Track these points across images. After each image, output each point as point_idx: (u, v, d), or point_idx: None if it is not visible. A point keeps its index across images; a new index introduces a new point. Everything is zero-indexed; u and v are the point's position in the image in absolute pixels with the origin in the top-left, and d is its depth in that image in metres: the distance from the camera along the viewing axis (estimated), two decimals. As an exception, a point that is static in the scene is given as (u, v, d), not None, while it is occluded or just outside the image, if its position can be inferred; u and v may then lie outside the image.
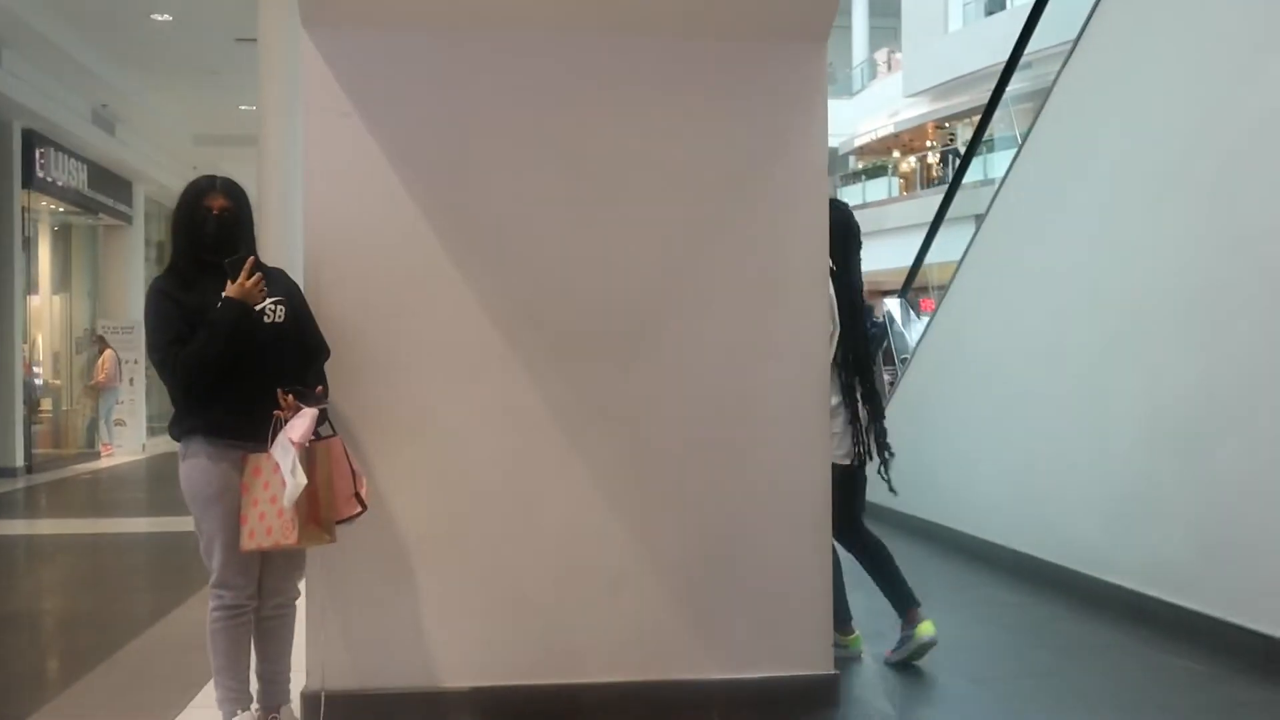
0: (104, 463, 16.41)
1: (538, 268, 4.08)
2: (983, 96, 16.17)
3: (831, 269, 4.38)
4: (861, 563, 4.72)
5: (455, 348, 4.05)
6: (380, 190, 4.03)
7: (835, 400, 4.52)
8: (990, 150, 16.50)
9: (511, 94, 4.08)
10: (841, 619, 4.58)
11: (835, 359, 4.52)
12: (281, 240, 8.18)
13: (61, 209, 17.08)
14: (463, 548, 4.03)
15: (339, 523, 3.63)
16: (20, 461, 14.17)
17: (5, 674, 5.12)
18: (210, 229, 3.63)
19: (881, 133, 32.36)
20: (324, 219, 4.03)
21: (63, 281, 18.64)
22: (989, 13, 26.44)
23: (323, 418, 3.62)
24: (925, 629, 4.57)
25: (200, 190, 3.68)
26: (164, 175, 18.79)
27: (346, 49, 4.02)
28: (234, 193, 3.69)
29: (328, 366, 3.79)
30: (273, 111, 9.27)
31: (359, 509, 3.66)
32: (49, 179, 15.10)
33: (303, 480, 3.38)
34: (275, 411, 3.51)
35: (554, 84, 4.11)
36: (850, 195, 29.10)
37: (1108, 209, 6.11)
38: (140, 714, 4.22)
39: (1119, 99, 6.18)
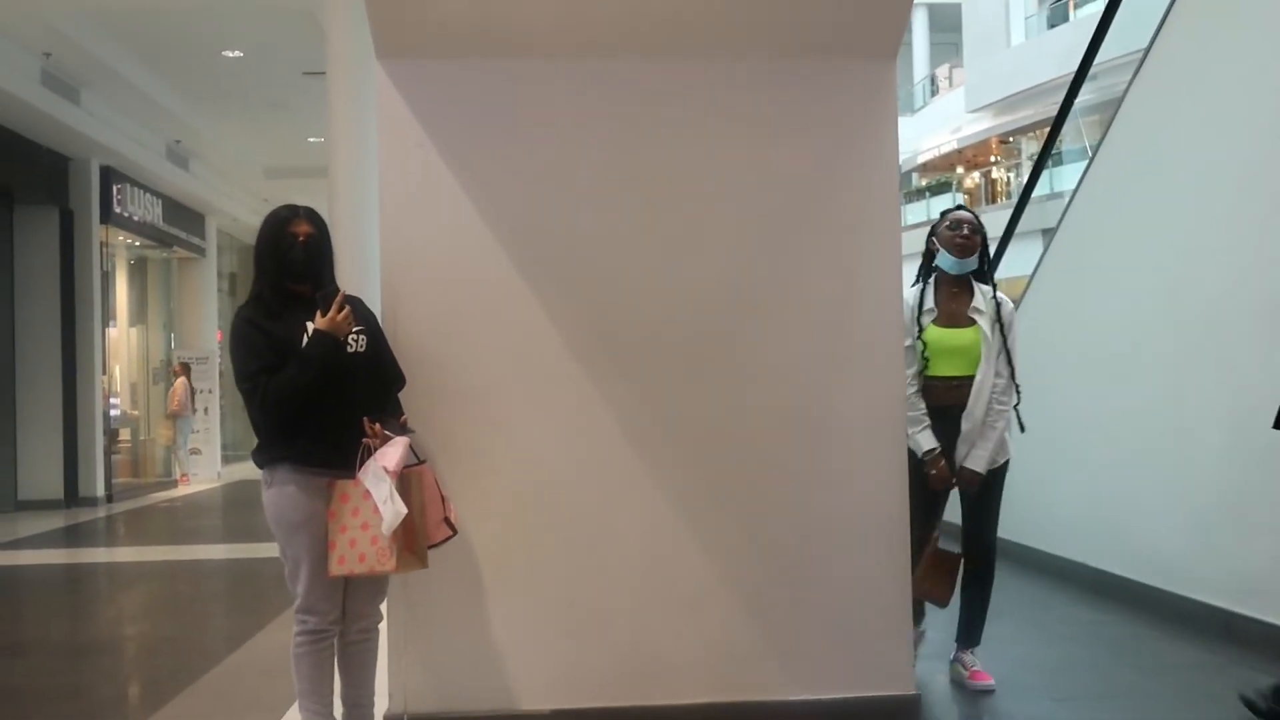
0: (181, 491, 16.69)
1: (609, 289, 4.10)
2: (1046, 110, 15.99)
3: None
4: (982, 574, 4.66)
5: (529, 370, 4.08)
6: (453, 217, 4.08)
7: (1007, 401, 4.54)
8: (1058, 164, 16.32)
9: (580, 119, 4.12)
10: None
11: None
12: (353, 269, 8.28)
13: (138, 243, 17.47)
14: (541, 569, 4.05)
15: (431, 547, 3.68)
16: (101, 491, 14.45)
17: (91, 700, 5.20)
18: (298, 255, 3.68)
19: (945, 149, 32.14)
20: (399, 247, 4.09)
21: (139, 313, 19.05)
22: (1051, 25, 26.20)
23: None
24: None
25: (284, 219, 3.72)
26: (236, 208, 19.17)
27: (418, 80, 4.09)
28: (316, 220, 3.75)
29: (404, 393, 3.84)
30: (342, 143, 9.40)
31: (449, 533, 3.71)
32: (126, 214, 15.46)
33: (403, 509, 3.41)
34: (364, 440, 3.56)
35: (622, 107, 4.14)
36: (914, 212, 28.92)
37: (1184, 217, 6.01)
38: (226, 738, 4.27)
39: (1194, 106, 6.09)
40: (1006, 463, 4.61)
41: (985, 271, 4.66)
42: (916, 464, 4.43)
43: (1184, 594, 5.61)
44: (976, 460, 4.47)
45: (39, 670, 5.78)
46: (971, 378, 4.49)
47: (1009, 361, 4.53)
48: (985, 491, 4.53)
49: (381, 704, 3.94)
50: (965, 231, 4.57)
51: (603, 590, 4.05)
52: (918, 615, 4.67)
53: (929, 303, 4.59)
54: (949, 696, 4.44)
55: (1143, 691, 4.61)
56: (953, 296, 4.60)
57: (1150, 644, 5.36)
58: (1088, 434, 6.74)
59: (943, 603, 4.52)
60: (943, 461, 4.46)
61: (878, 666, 4.13)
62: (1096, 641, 5.43)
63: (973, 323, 4.54)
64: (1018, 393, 4.60)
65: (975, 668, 4.59)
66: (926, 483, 4.44)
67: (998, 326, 4.53)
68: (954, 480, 4.50)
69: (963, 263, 4.56)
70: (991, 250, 4.86)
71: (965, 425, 4.48)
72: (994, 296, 4.58)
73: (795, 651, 4.11)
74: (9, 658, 6.04)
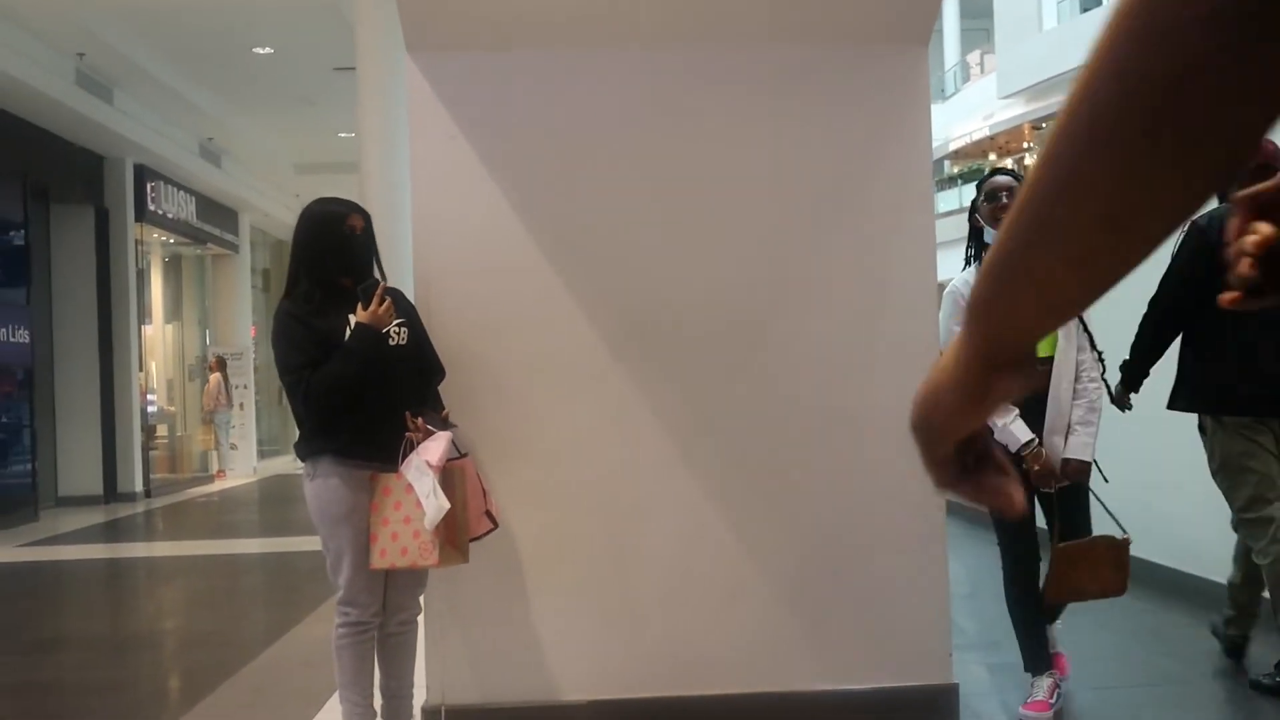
0: (217, 486, 16.84)
1: (642, 280, 4.10)
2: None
3: None
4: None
5: (563, 362, 4.08)
6: (486, 210, 4.08)
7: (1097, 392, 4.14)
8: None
9: (611, 108, 4.11)
10: None
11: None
12: (385, 264, 8.33)
13: (172, 240, 17.62)
14: (578, 561, 4.05)
15: (473, 540, 3.69)
16: (139, 486, 14.61)
17: (132, 694, 5.26)
18: (357, 249, 3.70)
19: (976, 136, 31.90)
20: (431, 241, 4.10)
21: (174, 310, 19.21)
22: (1085, 9, 25.96)
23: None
24: None
25: (339, 213, 3.71)
26: (268, 204, 19.31)
27: (449, 72, 4.09)
28: (366, 214, 3.77)
29: (441, 385, 3.85)
30: (372, 137, 9.44)
31: (491, 526, 3.74)
32: (160, 211, 15.59)
33: (446, 504, 3.42)
34: (407, 434, 3.57)
35: (652, 97, 4.13)
36: (946, 200, 28.74)
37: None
38: (266, 730, 4.31)
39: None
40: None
41: None
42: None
43: (1223, 581, 5.55)
44: (1081, 448, 4.04)
45: (81, 664, 5.85)
46: (1050, 359, 4.06)
47: (1085, 329, 4.12)
48: (1076, 486, 4.11)
49: (420, 695, 3.97)
50: (1003, 201, 4.14)
51: (639, 582, 4.05)
52: (1042, 663, 4.20)
53: None
54: (987, 685, 4.42)
55: (1183, 680, 4.57)
56: None
57: (1189, 632, 5.31)
58: (1121, 418, 6.67)
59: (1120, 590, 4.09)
60: (1044, 454, 4.01)
61: (915, 656, 4.11)
62: (1135, 630, 5.39)
63: None
64: (1102, 363, 4.21)
65: (1038, 695, 4.11)
66: (1028, 481, 3.98)
67: None
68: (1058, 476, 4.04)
69: None
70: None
71: (1051, 411, 4.05)
72: None
73: (832, 642, 4.10)
74: (51, 652, 6.12)
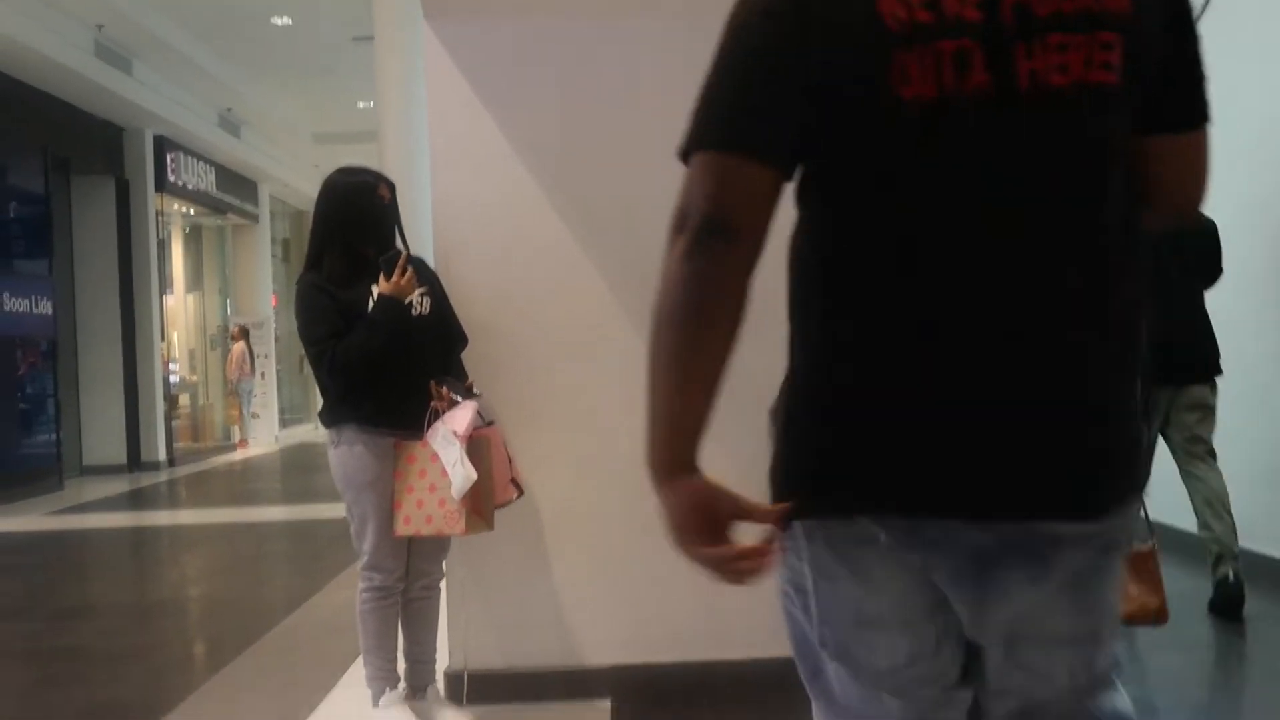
0: (239, 455, 16.94)
1: (662, 248, 4.07)
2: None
3: None
4: None
5: (584, 330, 4.08)
6: (506, 178, 4.07)
7: None
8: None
9: (630, 77, 4.08)
10: None
11: None
12: (406, 232, 8.34)
13: (192, 211, 17.69)
14: (601, 527, 4.06)
15: (498, 507, 3.71)
16: (163, 455, 14.73)
17: (158, 659, 5.31)
18: (386, 220, 3.70)
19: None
20: (451, 210, 4.09)
21: (195, 281, 19.30)
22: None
23: None
24: None
25: (369, 183, 3.70)
26: (287, 174, 19.33)
27: (468, 39, 4.07)
28: (391, 183, 3.76)
29: (464, 354, 3.86)
30: (391, 106, 9.43)
31: (516, 494, 3.75)
32: (180, 182, 15.64)
33: (473, 474, 3.43)
34: (432, 403, 3.58)
35: (673, 66, 4.08)
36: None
37: (1253, 161, 5.87)
38: (291, 693, 4.35)
39: (1260, 42, 5.93)
40: None
41: None
42: None
43: (1258, 550, 5.53)
44: None
45: (107, 630, 5.91)
46: None
47: None
48: None
49: (442, 660, 4.00)
50: None
51: (663, 547, 4.02)
52: None
53: None
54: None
55: (1216, 645, 4.56)
56: None
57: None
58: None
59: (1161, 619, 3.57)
60: None
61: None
62: (1172, 597, 5.36)
63: None
64: None
65: None
66: None
67: None
68: None
69: None
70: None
71: None
72: None
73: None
74: (77, 618, 6.18)
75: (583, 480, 4.06)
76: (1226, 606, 4.76)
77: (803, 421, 1.46)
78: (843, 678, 1.46)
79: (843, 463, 1.38)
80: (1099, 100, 1.33)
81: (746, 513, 1.42)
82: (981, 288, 1.33)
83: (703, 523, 1.42)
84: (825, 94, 1.34)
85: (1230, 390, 5.10)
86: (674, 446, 1.43)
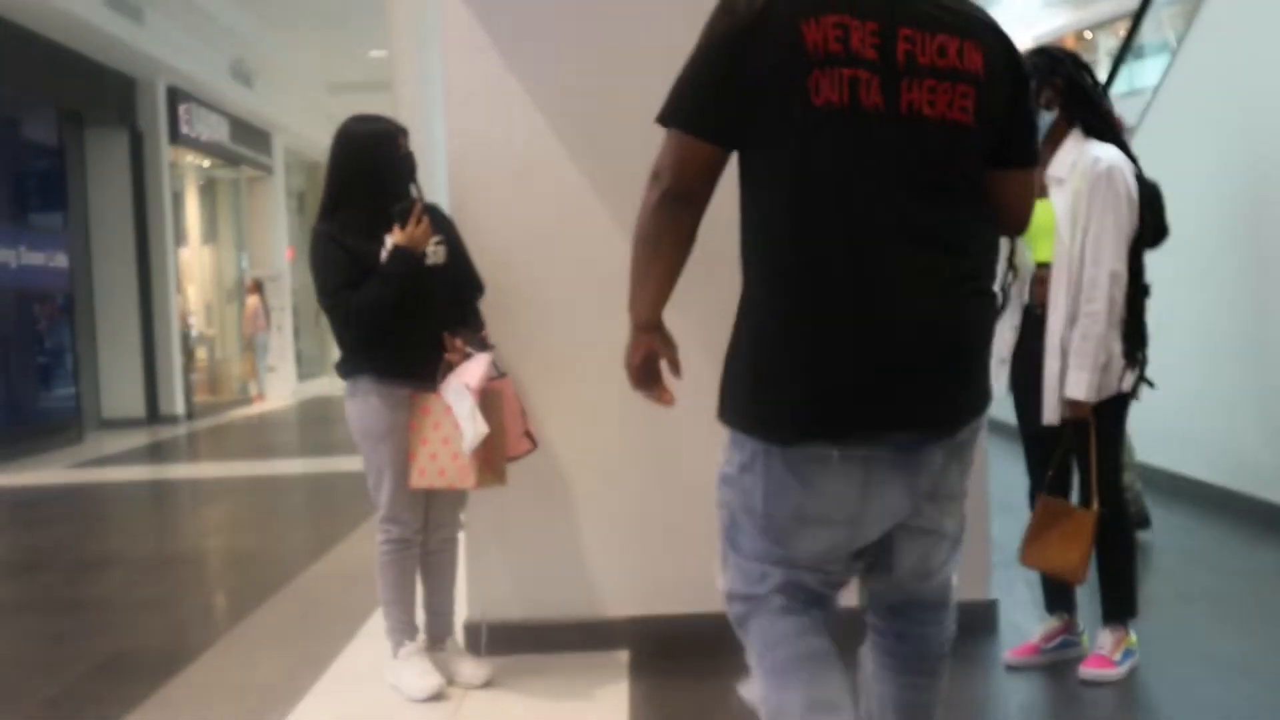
0: (257, 408, 17.00)
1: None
2: (1127, 2, 15.49)
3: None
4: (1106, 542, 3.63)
5: (602, 279, 4.02)
6: (520, 123, 4.01)
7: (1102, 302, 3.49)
8: (1138, 58, 15.80)
9: (650, 21, 4.00)
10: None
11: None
12: (420, 181, 8.29)
13: (206, 163, 17.62)
14: (619, 478, 4.04)
15: (511, 460, 3.68)
16: (181, 409, 14.77)
17: (180, 610, 5.35)
18: (408, 170, 3.67)
19: (1019, 47, 31.25)
20: (466, 157, 4.04)
21: (210, 233, 19.27)
22: (1130, -86, 25.22)
23: None
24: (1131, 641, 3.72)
25: (389, 133, 3.66)
26: (301, 125, 19.22)
27: (481, -17, 4.00)
28: (406, 130, 3.73)
29: (480, 303, 3.82)
30: (404, 54, 9.33)
31: (530, 446, 3.72)
32: (194, 134, 15.56)
33: (484, 429, 3.41)
34: (446, 355, 3.55)
35: (693, 6, 4.01)
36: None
37: (1273, 116, 5.77)
38: (311, 644, 4.36)
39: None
40: (1116, 398, 3.62)
41: (1096, 118, 3.59)
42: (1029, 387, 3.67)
43: (1268, 498, 5.50)
44: (1072, 385, 3.50)
45: (128, 582, 5.94)
46: (1048, 265, 3.60)
47: (1102, 240, 3.46)
48: (1082, 427, 3.58)
49: (461, 611, 4.00)
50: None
51: (681, 499, 4.02)
52: (1057, 602, 3.85)
53: None
54: (1028, 599, 4.39)
55: (1222, 595, 4.54)
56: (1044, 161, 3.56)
57: (1234, 548, 5.28)
58: (1169, 337, 6.58)
59: (1074, 577, 3.59)
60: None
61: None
62: (1178, 547, 5.35)
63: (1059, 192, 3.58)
64: (1145, 291, 3.62)
65: (1101, 650, 3.66)
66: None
67: (1084, 191, 3.48)
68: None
69: None
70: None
71: (1050, 328, 3.57)
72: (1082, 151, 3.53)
73: (873, 558, 4.08)
74: (99, 570, 6.22)
75: (600, 429, 4.03)
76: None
77: (774, 379, 2.02)
78: (755, 540, 2.10)
79: (813, 412, 1.98)
80: (953, 130, 1.98)
81: (671, 361, 2.26)
82: (863, 251, 1.95)
83: (645, 364, 2.25)
84: (757, 92, 1.96)
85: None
86: (642, 312, 2.22)
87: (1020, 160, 2.15)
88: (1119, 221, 3.48)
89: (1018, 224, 2.24)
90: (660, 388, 2.26)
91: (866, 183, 1.94)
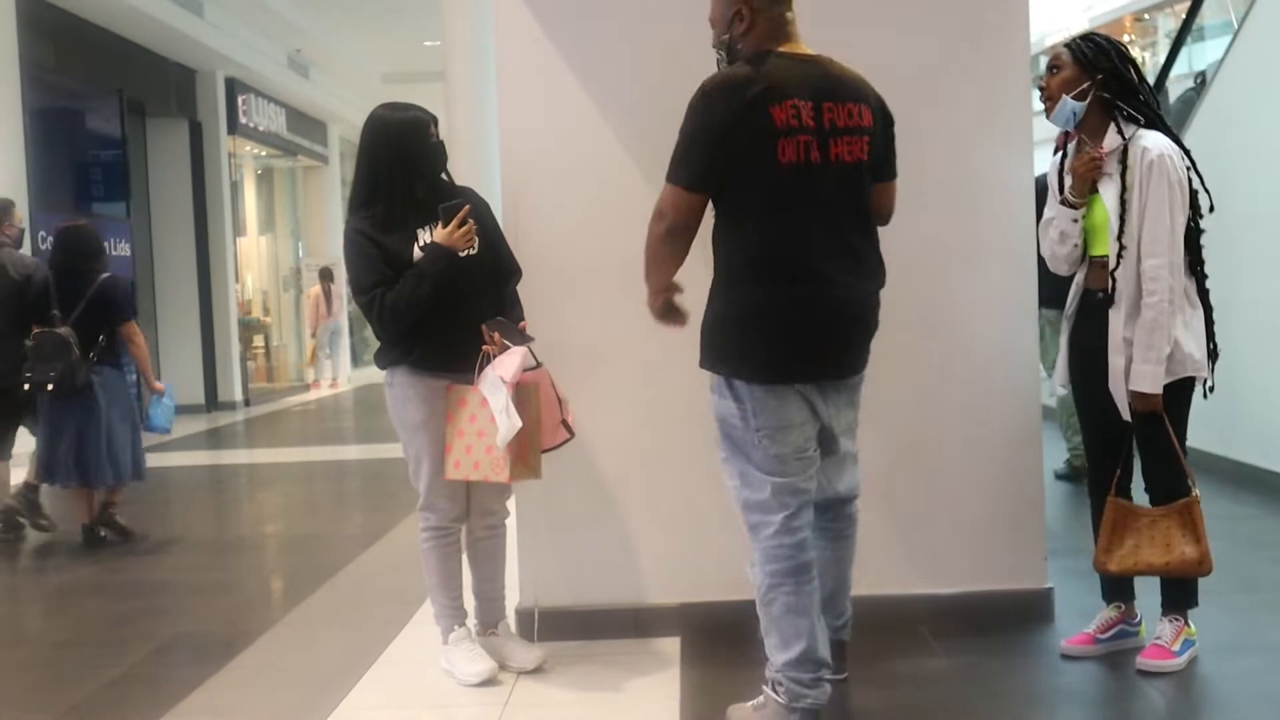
0: (313, 395, 17.18)
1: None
2: (1188, -16, 15.22)
3: None
4: None
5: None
6: (573, 114, 4.03)
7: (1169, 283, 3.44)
8: (1198, 39, 15.51)
9: (700, 13, 4.00)
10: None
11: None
12: (473, 171, 8.34)
13: (263, 153, 17.82)
14: (667, 466, 4.06)
15: (546, 451, 3.69)
16: (239, 395, 14.97)
17: (237, 594, 5.44)
18: (440, 158, 3.69)
19: (1074, 29, 30.79)
20: (519, 146, 4.07)
21: (267, 222, 19.48)
22: (1193, -107, 24.71)
23: None
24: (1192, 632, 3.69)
25: (423, 121, 3.67)
26: (356, 115, 19.27)
27: (534, -27, 4.01)
28: (435, 117, 3.74)
29: (525, 293, 3.84)
30: (458, 44, 9.40)
31: (567, 436, 3.71)
32: (251, 124, 15.75)
33: (517, 423, 3.42)
34: (484, 347, 3.57)
35: None
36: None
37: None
38: (367, 628, 4.43)
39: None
40: (1184, 381, 3.56)
41: (1142, 108, 3.55)
42: (1089, 383, 3.68)
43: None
44: (1138, 378, 3.46)
45: (190, 565, 6.06)
46: (1104, 258, 3.57)
47: (1157, 230, 3.42)
48: (1153, 418, 3.51)
49: (514, 597, 4.04)
50: (1043, 79, 3.65)
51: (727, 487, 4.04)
52: (1115, 592, 3.83)
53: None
54: (1085, 588, 4.36)
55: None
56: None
57: None
58: (1224, 322, 6.48)
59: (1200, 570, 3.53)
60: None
61: (1009, 560, 4.08)
62: (1235, 535, 5.27)
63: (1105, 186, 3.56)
64: (1199, 279, 3.59)
65: (1160, 640, 3.63)
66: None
67: (1135, 183, 3.45)
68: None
69: (1056, 114, 3.58)
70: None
71: (1112, 325, 3.53)
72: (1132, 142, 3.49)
73: (923, 546, 4.08)
74: (161, 553, 6.35)
75: (647, 417, 4.06)
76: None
77: (749, 341, 3.04)
78: (766, 450, 3.05)
79: (781, 365, 3.03)
80: (860, 169, 3.05)
81: (679, 316, 3.20)
82: (814, 257, 3.01)
83: (663, 306, 3.17)
84: (736, 156, 2.95)
85: None
86: (654, 287, 3.14)
87: (887, 176, 3.19)
88: (1174, 209, 3.45)
89: (885, 218, 3.23)
90: (676, 317, 3.19)
91: (818, 214, 2.99)
